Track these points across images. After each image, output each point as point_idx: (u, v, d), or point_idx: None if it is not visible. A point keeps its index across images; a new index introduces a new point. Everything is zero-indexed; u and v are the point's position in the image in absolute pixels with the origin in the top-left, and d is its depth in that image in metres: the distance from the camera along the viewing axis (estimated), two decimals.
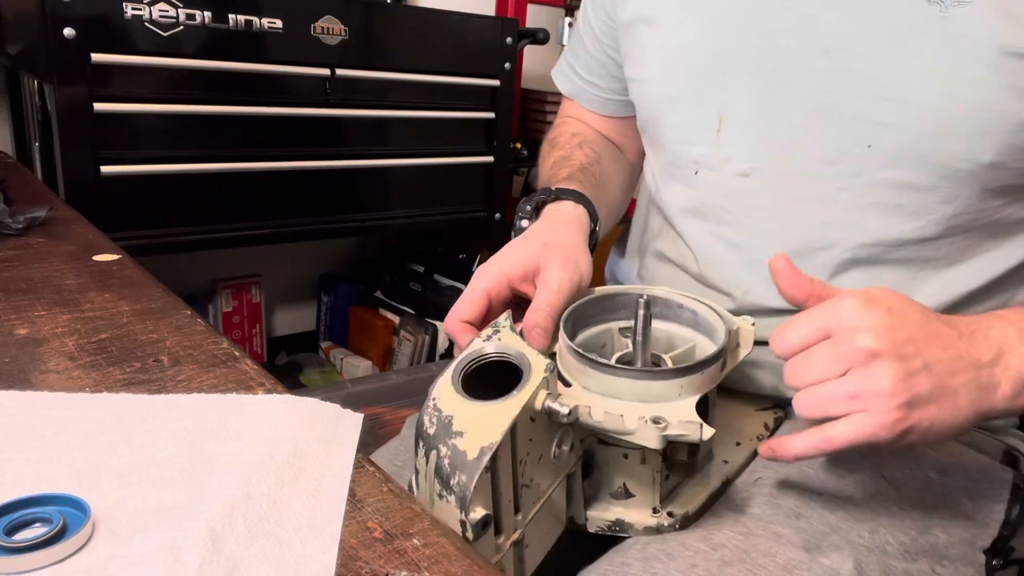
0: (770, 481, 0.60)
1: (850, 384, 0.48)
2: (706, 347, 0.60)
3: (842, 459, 0.62)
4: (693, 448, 0.58)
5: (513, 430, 0.46)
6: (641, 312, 0.55)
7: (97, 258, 0.73)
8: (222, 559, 0.34)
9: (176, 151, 1.35)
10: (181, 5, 1.27)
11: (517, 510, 0.49)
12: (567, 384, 0.55)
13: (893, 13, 0.58)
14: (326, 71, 1.46)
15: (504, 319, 0.55)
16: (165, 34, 1.27)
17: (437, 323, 1.86)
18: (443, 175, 1.72)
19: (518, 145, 1.86)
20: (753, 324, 0.60)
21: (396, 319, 1.99)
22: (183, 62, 1.31)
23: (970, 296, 0.65)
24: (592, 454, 0.57)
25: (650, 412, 0.49)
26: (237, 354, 0.55)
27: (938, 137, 0.59)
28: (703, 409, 0.55)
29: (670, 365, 0.56)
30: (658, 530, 0.56)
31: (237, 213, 1.45)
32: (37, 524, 0.36)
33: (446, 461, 0.45)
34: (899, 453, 0.64)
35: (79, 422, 0.44)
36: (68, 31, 1.18)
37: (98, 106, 1.23)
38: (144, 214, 1.34)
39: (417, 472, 0.48)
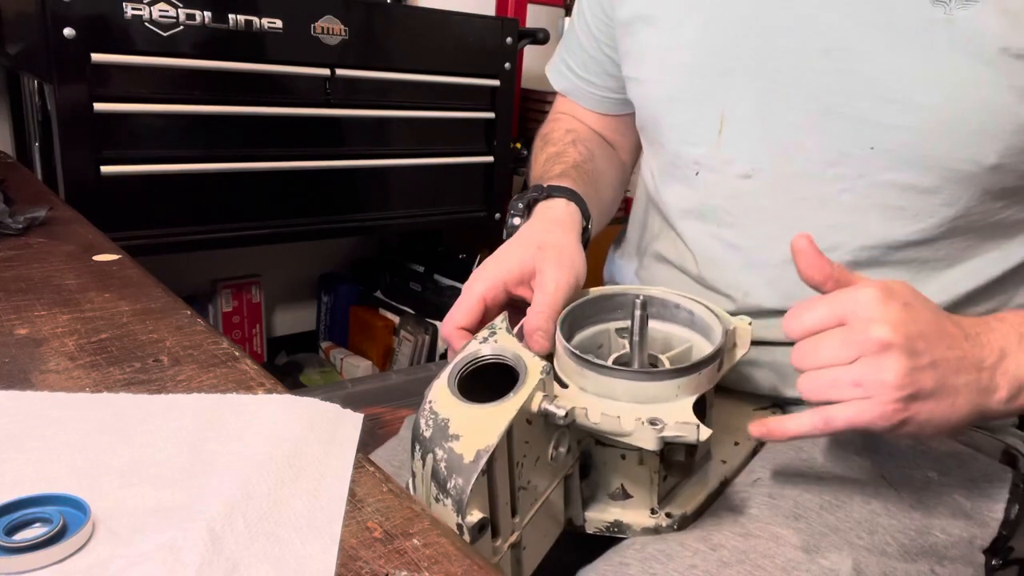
0: (769, 482, 0.60)
1: (857, 372, 0.49)
2: (703, 347, 0.60)
3: (841, 459, 0.62)
4: (691, 448, 0.58)
5: (509, 432, 0.46)
6: (638, 313, 0.55)
7: (97, 258, 0.73)
8: (222, 559, 0.34)
9: (176, 151, 1.35)
10: (181, 5, 1.27)
11: (514, 513, 0.49)
12: (564, 385, 0.55)
13: (896, 14, 0.58)
14: (326, 71, 1.46)
15: (500, 321, 0.55)
16: (165, 34, 1.27)
17: (437, 323, 1.86)
18: (443, 175, 1.72)
19: (518, 145, 1.86)
20: (750, 324, 0.60)
21: (396, 319, 1.99)
22: (183, 62, 1.31)
23: (970, 296, 0.65)
24: (589, 455, 0.57)
25: (647, 413, 0.49)
26: (237, 354, 0.55)
27: (941, 139, 0.59)
28: (700, 409, 0.55)
29: (667, 366, 0.56)
30: (656, 531, 0.56)
31: (237, 213, 1.45)
32: (37, 524, 0.36)
33: (442, 464, 0.45)
34: (897, 454, 0.64)
35: (79, 422, 0.44)
36: (68, 31, 1.18)
37: (98, 106, 1.24)
38: (144, 214, 1.34)
39: (414, 475, 0.48)
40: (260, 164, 1.44)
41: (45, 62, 1.20)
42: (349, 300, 2.10)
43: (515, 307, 0.62)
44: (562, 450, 0.52)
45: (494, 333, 0.54)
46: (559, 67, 0.91)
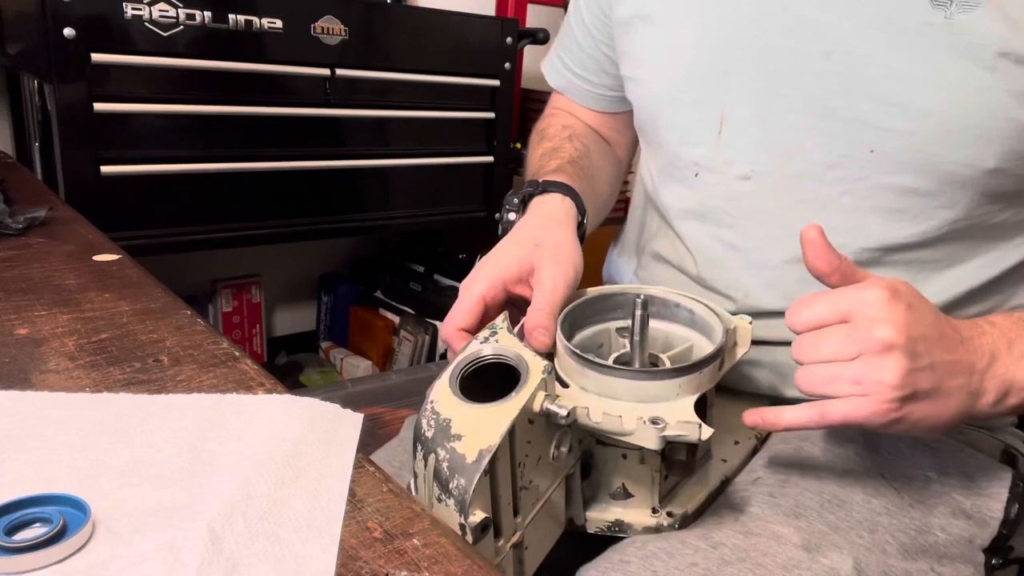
0: (770, 480, 0.60)
1: (858, 369, 0.49)
2: (703, 346, 0.60)
3: (842, 459, 0.62)
4: (692, 448, 0.58)
5: (511, 432, 0.46)
6: (638, 312, 0.55)
7: (97, 258, 0.73)
8: (222, 559, 0.34)
9: (176, 151, 1.35)
10: (181, 5, 1.27)
11: (516, 512, 0.49)
12: (565, 385, 0.55)
13: (897, 17, 0.58)
14: (326, 71, 1.46)
15: (501, 321, 0.55)
16: (165, 34, 1.27)
17: (437, 323, 1.86)
18: (443, 175, 1.72)
19: (518, 145, 1.86)
20: (751, 323, 0.60)
21: (396, 319, 1.99)
22: (183, 62, 1.31)
23: (967, 296, 0.66)
24: (591, 455, 0.57)
25: (648, 412, 0.49)
26: (237, 354, 0.55)
27: (941, 143, 0.59)
28: (701, 408, 0.55)
29: (668, 365, 0.56)
30: (657, 530, 0.56)
31: (237, 213, 1.45)
32: (37, 524, 0.36)
33: (444, 464, 0.45)
34: (898, 453, 0.64)
35: (79, 422, 0.44)
36: (68, 31, 1.18)
37: (98, 106, 1.24)
38: (144, 214, 1.34)
39: (415, 475, 0.48)
40: (260, 164, 1.44)
41: (45, 62, 1.20)
42: (349, 300, 2.10)
43: (513, 305, 0.62)
44: (564, 450, 0.52)
45: (495, 333, 0.53)
46: (555, 64, 0.91)
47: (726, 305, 0.69)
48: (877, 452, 0.63)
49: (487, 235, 0.64)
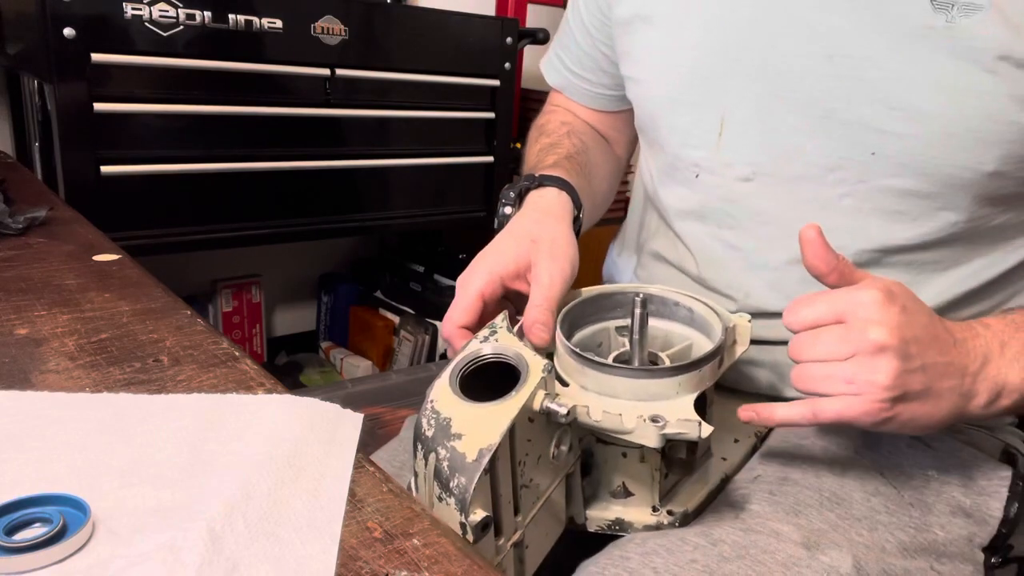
0: (769, 478, 0.60)
1: (851, 369, 0.51)
2: (703, 344, 0.60)
3: (841, 457, 0.62)
4: (692, 446, 0.58)
5: (512, 431, 0.46)
6: (638, 311, 0.55)
7: (97, 258, 0.73)
8: (222, 559, 0.34)
9: (176, 151, 1.35)
10: (181, 5, 1.27)
11: (517, 511, 0.49)
12: (565, 384, 0.55)
13: (898, 20, 0.58)
14: (326, 71, 1.46)
15: (501, 320, 0.55)
16: (165, 34, 1.27)
17: (437, 323, 1.86)
18: (443, 175, 1.72)
19: (518, 145, 1.86)
20: (750, 321, 0.60)
21: (396, 319, 1.99)
22: (183, 62, 1.30)
23: (966, 297, 0.66)
24: (591, 453, 0.57)
25: (648, 411, 0.49)
26: (237, 354, 0.55)
27: (942, 146, 0.59)
28: (701, 407, 0.55)
29: (667, 363, 0.56)
30: (658, 528, 0.56)
31: (237, 213, 1.45)
32: (37, 524, 0.36)
33: (445, 463, 0.45)
34: (897, 452, 0.64)
35: (79, 422, 0.44)
36: (68, 31, 1.18)
37: (98, 106, 1.23)
38: (144, 214, 1.34)
39: (416, 474, 0.48)
40: (260, 164, 1.44)
41: (45, 62, 1.20)
42: (349, 300, 2.10)
43: (508, 300, 0.62)
44: (564, 448, 0.52)
45: (495, 332, 0.54)
46: (553, 63, 0.91)
47: (727, 305, 0.69)
48: (877, 450, 0.63)
49: (487, 235, 0.64)
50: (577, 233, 0.69)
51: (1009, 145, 0.58)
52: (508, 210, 0.70)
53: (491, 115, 1.73)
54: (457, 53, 1.64)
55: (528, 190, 0.70)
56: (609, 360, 0.55)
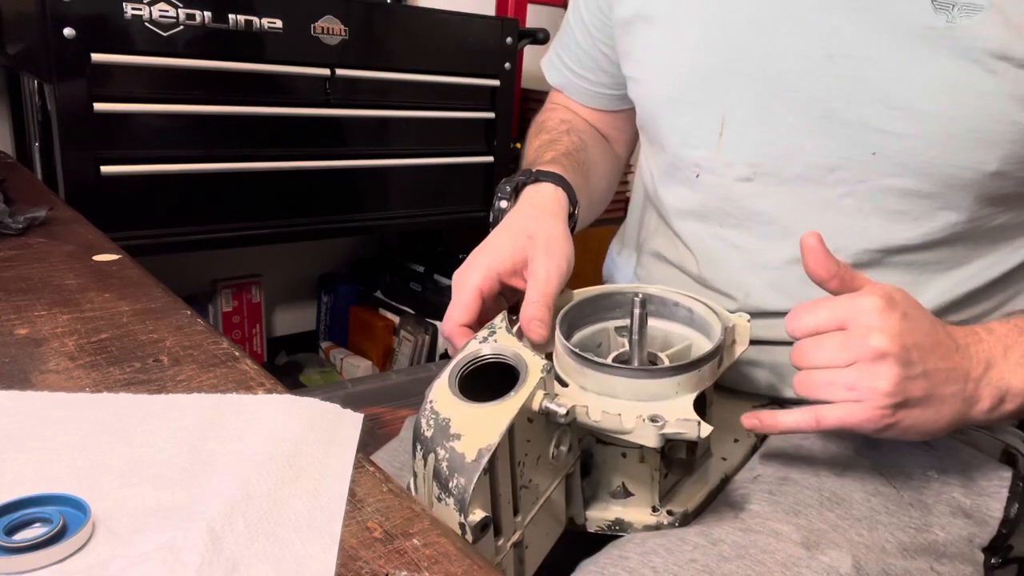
0: (769, 478, 0.60)
1: (852, 376, 0.51)
2: (702, 344, 0.60)
3: (842, 457, 0.62)
4: (691, 446, 0.58)
5: (511, 431, 0.46)
6: (637, 311, 0.55)
7: (97, 258, 0.73)
8: (222, 559, 0.34)
9: (176, 151, 1.35)
10: (181, 5, 1.27)
11: (516, 511, 0.49)
12: (564, 384, 0.55)
13: (898, 20, 0.58)
14: (326, 71, 1.46)
15: (500, 320, 0.55)
16: (165, 34, 1.27)
17: (437, 323, 1.86)
18: (443, 175, 1.72)
19: (518, 145, 1.86)
20: (749, 321, 0.60)
21: (396, 319, 1.99)
22: (183, 62, 1.30)
23: (967, 297, 0.66)
24: (590, 454, 0.57)
25: (648, 411, 0.49)
26: (237, 354, 0.55)
27: (943, 146, 0.59)
28: (700, 407, 0.55)
29: (667, 363, 0.56)
30: (657, 528, 0.56)
31: (237, 213, 1.45)
32: (37, 524, 0.36)
33: (444, 464, 0.45)
34: (898, 452, 0.64)
35: (79, 422, 0.44)
36: (68, 31, 1.18)
37: (98, 106, 1.23)
38: (144, 214, 1.34)
39: (415, 475, 0.48)
40: (260, 164, 1.44)
41: (45, 62, 1.20)
42: (349, 300, 2.10)
43: (503, 296, 0.62)
44: (563, 448, 0.52)
45: (494, 332, 0.54)
46: (554, 61, 0.91)
47: (727, 305, 0.69)
48: (877, 450, 0.63)
49: (487, 235, 0.65)
50: (572, 230, 0.69)
51: (1010, 145, 0.58)
52: (504, 204, 0.70)
53: (491, 115, 1.73)
54: (457, 53, 1.64)
55: (524, 185, 0.70)
56: (608, 360, 0.55)
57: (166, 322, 0.60)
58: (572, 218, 0.70)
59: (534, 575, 0.53)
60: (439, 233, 2.07)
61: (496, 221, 0.68)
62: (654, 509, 0.56)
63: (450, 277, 0.63)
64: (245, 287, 1.94)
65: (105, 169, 1.27)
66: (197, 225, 1.41)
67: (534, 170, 0.71)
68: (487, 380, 0.50)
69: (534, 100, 1.97)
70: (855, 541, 0.55)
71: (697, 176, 0.71)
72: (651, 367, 0.55)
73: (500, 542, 0.48)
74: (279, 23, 1.38)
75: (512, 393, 0.47)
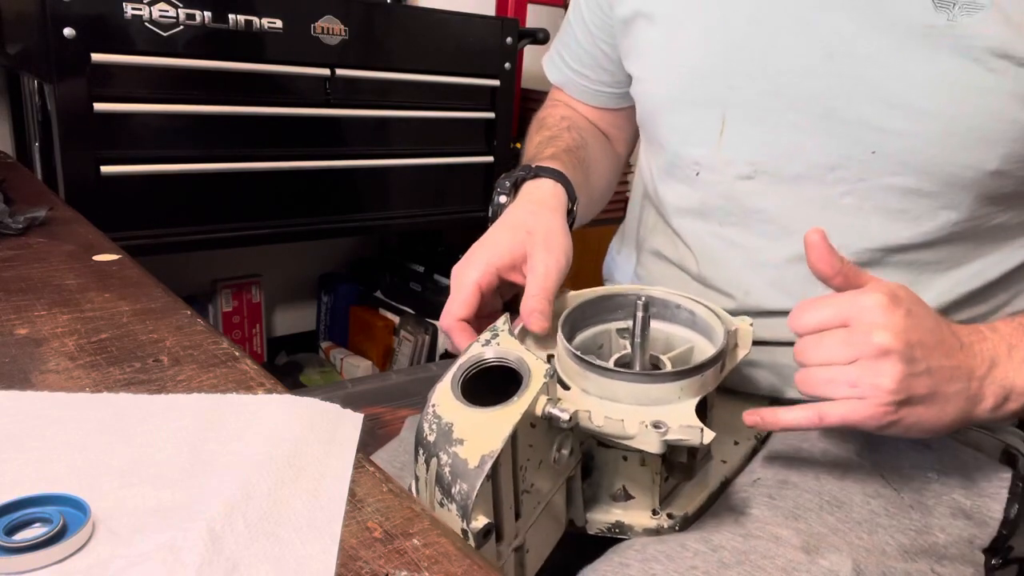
0: (769, 482, 0.60)
1: (855, 373, 0.51)
2: (704, 347, 0.60)
3: (841, 460, 0.62)
4: (692, 450, 0.58)
5: (514, 436, 0.46)
6: (640, 314, 0.55)
7: (97, 258, 0.73)
8: (222, 559, 0.34)
9: (176, 151, 1.35)
10: (181, 5, 1.27)
11: (518, 516, 0.49)
12: (566, 387, 0.54)
13: (899, 19, 0.58)
14: (326, 71, 1.46)
15: (502, 323, 0.55)
16: (165, 34, 1.27)
17: (437, 323, 1.86)
18: (443, 175, 1.72)
19: (518, 145, 1.86)
20: (751, 324, 0.60)
21: (396, 319, 1.99)
22: (183, 62, 1.30)
23: (968, 297, 0.66)
24: (591, 456, 0.57)
25: (650, 415, 0.49)
26: (237, 354, 0.55)
27: (943, 145, 0.59)
28: (702, 410, 0.55)
29: (669, 366, 0.56)
30: (658, 532, 0.56)
31: (237, 213, 1.45)
32: (37, 524, 0.36)
33: (447, 469, 0.44)
34: (897, 454, 0.64)
35: (79, 422, 0.44)
36: (68, 31, 1.18)
37: (98, 106, 1.23)
38: (144, 214, 1.34)
39: (417, 479, 0.48)
40: (260, 164, 1.44)
41: (45, 62, 1.20)
42: (349, 300, 2.10)
43: (499, 293, 0.63)
44: (565, 452, 0.52)
45: (496, 335, 0.53)
46: (554, 59, 0.92)
47: (727, 303, 0.69)
48: (877, 453, 0.63)
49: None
50: (570, 226, 0.69)
51: (1011, 144, 0.58)
52: (503, 199, 0.70)
53: (491, 115, 1.73)
54: (457, 53, 1.64)
55: (524, 180, 0.71)
56: (610, 363, 0.55)
57: (166, 322, 0.59)
58: (571, 214, 0.70)
59: None
60: (439, 233, 2.07)
61: (495, 216, 0.68)
62: (654, 512, 0.56)
63: (450, 277, 0.63)
64: (245, 287, 1.94)
65: (105, 169, 1.27)
66: (197, 225, 1.41)
67: (533, 166, 0.71)
68: (489, 383, 0.50)
69: (534, 100, 1.97)
70: (855, 544, 0.55)
71: (697, 174, 0.71)
72: (654, 372, 0.55)
73: (501, 547, 0.48)
74: (279, 23, 1.38)
75: (515, 398, 0.47)
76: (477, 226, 1.93)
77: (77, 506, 0.37)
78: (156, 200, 1.35)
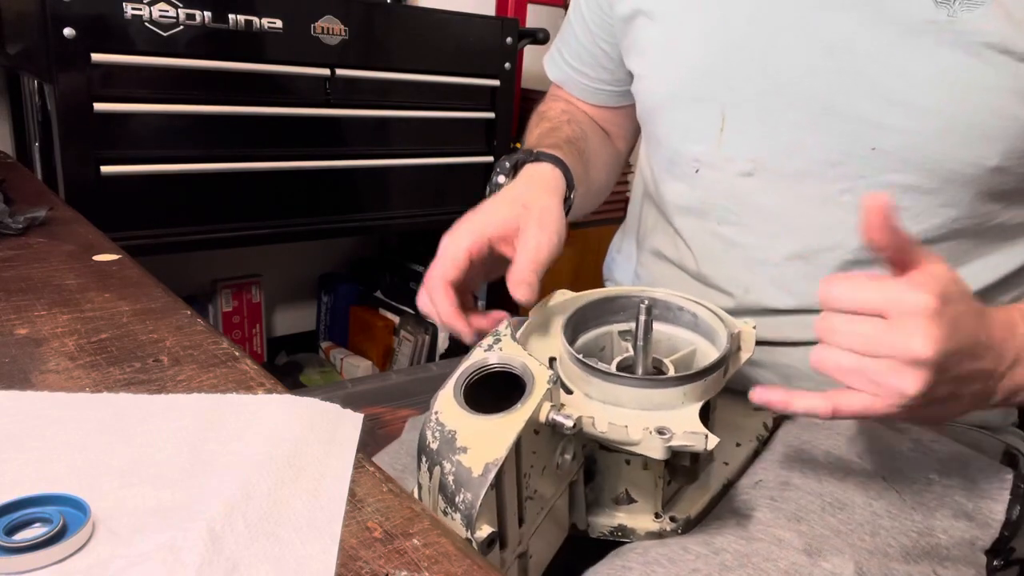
0: (771, 484, 0.60)
1: (882, 371, 0.47)
2: (707, 350, 0.59)
3: (843, 461, 0.62)
4: (695, 455, 0.58)
5: (517, 444, 0.45)
6: (643, 318, 0.54)
7: (97, 258, 0.73)
8: (222, 559, 0.34)
9: (176, 151, 1.35)
10: (181, 5, 1.27)
11: (521, 523, 0.48)
12: (568, 391, 0.54)
13: (899, 15, 0.58)
14: (326, 71, 1.46)
15: (504, 328, 0.55)
16: (165, 34, 1.27)
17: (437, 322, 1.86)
18: (443, 175, 1.72)
19: (518, 145, 1.85)
20: (754, 327, 0.60)
21: (396, 319, 1.99)
22: (183, 62, 1.30)
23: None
24: (593, 460, 0.57)
25: (653, 420, 0.49)
26: (237, 354, 0.55)
27: (943, 141, 0.59)
28: (705, 412, 0.55)
29: (672, 370, 0.56)
30: (660, 535, 0.55)
31: (237, 213, 1.45)
32: (37, 524, 0.36)
33: (450, 478, 0.44)
34: (899, 456, 0.64)
35: (79, 422, 0.44)
36: (68, 31, 1.18)
37: (98, 106, 1.23)
38: (144, 214, 1.34)
39: (420, 486, 0.47)
40: (260, 164, 1.44)
41: (45, 62, 1.20)
42: (349, 300, 2.10)
43: (482, 265, 0.62)
44: (568, 457, 0.51)
45: (499, 340, 0.53)
46: (554, 57, 0.92)
47: (726, 301, 0.69)
48: (879, 454, 0.63)
49: None
50: (566, 213, 0.69)
51: (1012, 140, 0.58)
52: (501, 179, 0.70)
53: (491, 115, 1.73)
54: (457, 53, 1.64)
55: (524, 163, 0.71)
56: (613, 366, 0.55)
57: (166, 322, 0.59)
58: (567, 202, 0.70)
59: None
60: (439, 233, 2.06)
61: (492, 196, 0.68)
62: (657, 515, 0.56)
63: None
64: (245, 287, 1.94)
65: (105, 169, 1.27)
66: (197, 225, 1.41)
67: (535, 151, 0.71)
68: (491, 387, 0.49)
69: (534, 100, 1.95)
70: (857, 547, 0.55)
71: (697, 171, 0.71)
72: (657, 376, 0.54)
73: (505, 554, 0.47)
74: (279, 23, 1.38)
75: (519, 405, 0.46)
76: None
77: (77, 506, 0.37)
78: (156, 200, 1.35)
